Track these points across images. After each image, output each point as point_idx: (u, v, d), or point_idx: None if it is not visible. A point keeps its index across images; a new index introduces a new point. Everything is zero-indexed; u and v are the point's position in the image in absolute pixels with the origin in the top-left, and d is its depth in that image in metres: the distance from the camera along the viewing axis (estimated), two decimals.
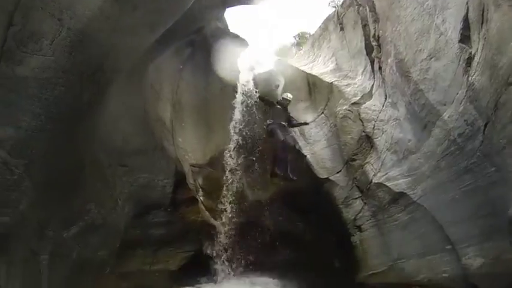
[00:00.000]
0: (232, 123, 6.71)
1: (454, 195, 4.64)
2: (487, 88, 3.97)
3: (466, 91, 4.21)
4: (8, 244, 3.24)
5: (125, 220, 5.60)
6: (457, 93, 4.34)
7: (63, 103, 3.43)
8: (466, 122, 4.30)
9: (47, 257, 3.85)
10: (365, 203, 6.21)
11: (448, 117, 4.51)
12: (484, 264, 4.35)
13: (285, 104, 6.33)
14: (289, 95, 6.34)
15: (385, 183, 5.68)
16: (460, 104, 4.32)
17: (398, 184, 5.49)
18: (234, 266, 6.96)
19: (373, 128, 5.76)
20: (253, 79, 6.65)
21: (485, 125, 4.10)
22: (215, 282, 6.65)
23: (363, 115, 5.87)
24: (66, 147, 3.87)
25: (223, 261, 6.90)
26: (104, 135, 5.04)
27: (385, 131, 5.59)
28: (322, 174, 6.70)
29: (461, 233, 4.59)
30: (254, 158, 6.94)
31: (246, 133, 6.76)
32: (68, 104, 3.50)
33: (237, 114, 6.70)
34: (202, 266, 6.80)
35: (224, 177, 6.83)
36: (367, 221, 6.12)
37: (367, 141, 5.99)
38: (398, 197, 5.51)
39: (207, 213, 6.82)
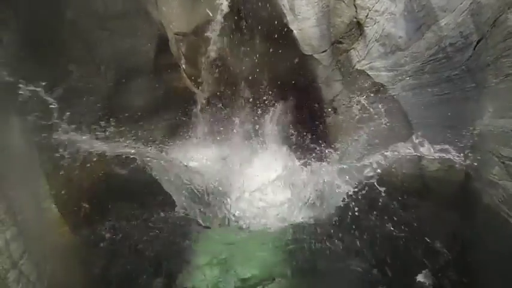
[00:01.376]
0: None
1: (430, 100, 4.94)
2: (491, 4, 3.93)
3: (471, 3, 4.14)
4: None
5: (108, 86, 5.60)
6: (461, 3, 4.25)
7: None
8: (461, 34, 4.32)
9: (34, 117, 3.91)
10: (344, 87, 6.42)
11: (445, 24, 4.48)
12: (440, 169, 4.93)
13: None
14: None
15: (367, 72, 5.82)
16: (461, 14, 4.27)
17: (380, 76, 5.65)
18: (212, 133, 7.36)
19: (366, 16, 5.60)
20: None
21: (478, 41, 4.17)
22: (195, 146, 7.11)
23: (358, 1, 5.62)
24: None
25: (203, 129, 7.26)
26: None
27: (378, 22, 5.47)
28: (307, 51, 6.66)
29: (427, 136, 5.02)
30: (242, 28, 6.71)
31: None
32: None
33: None
34: (183, 135, 7.15)
35: (208, 46, 6.68)
36: (344, 104, 6.42)
37: (357, 27, 5.88)
38: (377, 88, 5.72)
39: (188, 80, 6.87)
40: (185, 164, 5.71)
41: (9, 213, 2.55)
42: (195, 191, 5.52)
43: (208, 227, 5.10)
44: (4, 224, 2.37)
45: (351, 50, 6.08)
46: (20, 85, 3.60)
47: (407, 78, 5.23)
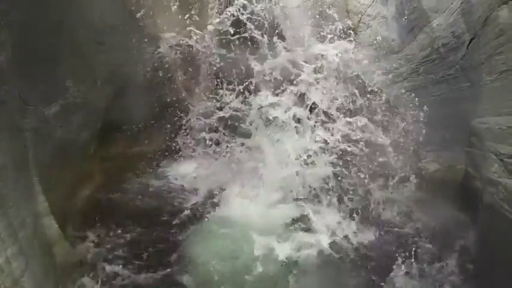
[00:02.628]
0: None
1: (426, 101, 4.96)
2: (482, 3, 3.97)
3: (461, 3, 4.20)
4: None
5: (105, 100, 5.59)
6: (452, 3, 4.32)
7: None
8: (453, 34, 4.37)
9: (32, 133, 3.87)
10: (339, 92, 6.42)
11: (437, 25, 4.54)
12: (439, 169, 4.96)
13: None
14: None
15: (362, 76, 5.86)
16: (452, 14, 4.33)
17: (375, 79, 5.69)
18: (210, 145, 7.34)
19: (359, 21, 5.68)
20: None
21: (471, 40, 4.22)
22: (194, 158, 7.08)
23: (350, 7, 5.71)
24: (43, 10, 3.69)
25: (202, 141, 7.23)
26: (82, 7, 4.72)
27: (371, 26, 5.55)
28: None
29: (425, 137, 5.05)
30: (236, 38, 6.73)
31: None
32: None
33: None
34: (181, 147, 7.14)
35: (204, 57, 6.71)
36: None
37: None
38: (373, 92, 5.75)
39: (185, 92, 6.88)
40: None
41: (9, 231, 2.53)
42: None
43: None
44: (4, 242, 2.35)
45: None
46: (18, 102, 3.59)
47: (403, 80, 5.27)
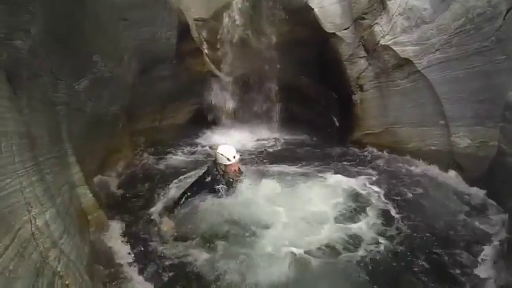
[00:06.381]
0: None
1: (458, 74, 4.81)
2: None
3: None
4: (26, 81, 3.19)
5: (132, 76, 5.66)
6: None
7: None
8: (489, 3, 4.18)
9: (64, 107, 3.96)
10: (369, 64, 6.32)
11: None
12: (470, 145, 4.82)
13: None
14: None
15: (392, 47, 5.72)
16: None
17: (406, 50, 5.54)
18: (236, 115, 7.39)
19: None
20: None
21: (508, 10, 4.01)
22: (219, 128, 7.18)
23: None
24: None
25: (227, 112, 7.30)
26: None
27: None
28: (329, 29, 6.53)
29: (457, 111, 4.92)
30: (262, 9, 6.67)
31: None
32: None
33: None
34: (207, 118, 7.20)
35: (229, 30, 6.69)
36: (370, 81, 6.33)
37: (380, 2, 5.80)
38: (403, 63, 5.63)
39: (211, 64, 6.91)
40: None
41: (47, 195, 2.65)
42: None
43: None
44: (43, 205, 2.47)
45: (374, 26, 5.98)
46: (50, 76, 3.66)
47: (434, 52, 5.11)
